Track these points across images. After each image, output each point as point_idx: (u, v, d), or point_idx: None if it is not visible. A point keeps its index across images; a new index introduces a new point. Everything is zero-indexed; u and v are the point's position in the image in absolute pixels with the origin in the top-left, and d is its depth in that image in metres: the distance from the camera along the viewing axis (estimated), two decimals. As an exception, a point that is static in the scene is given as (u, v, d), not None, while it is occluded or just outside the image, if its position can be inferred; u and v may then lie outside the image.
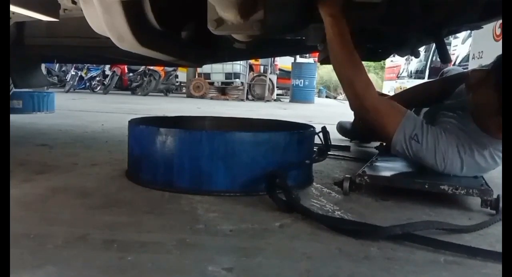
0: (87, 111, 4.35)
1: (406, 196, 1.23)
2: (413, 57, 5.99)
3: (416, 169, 1.35)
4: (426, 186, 1.18)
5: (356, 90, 1.30)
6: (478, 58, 5.01)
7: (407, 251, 0.84)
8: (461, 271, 0.77)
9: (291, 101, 9.84)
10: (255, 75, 10.49)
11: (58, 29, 1.81)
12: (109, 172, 1.44)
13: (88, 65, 10.06)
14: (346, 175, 1.28)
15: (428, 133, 1.26)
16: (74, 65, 10.06)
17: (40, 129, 2.58)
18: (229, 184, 1.21)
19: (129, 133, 1.40)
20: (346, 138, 2.53)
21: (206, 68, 10.05)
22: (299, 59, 11.13)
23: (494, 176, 1.38)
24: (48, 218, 0.95)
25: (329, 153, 1.63)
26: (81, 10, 1.09)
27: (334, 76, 17.40)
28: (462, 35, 7.81)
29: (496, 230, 0.99)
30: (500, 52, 1.20)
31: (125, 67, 10.32)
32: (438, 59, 3.97)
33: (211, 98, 9.85)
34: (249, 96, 10.09)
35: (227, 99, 9.83)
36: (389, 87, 11.96)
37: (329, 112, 6.25)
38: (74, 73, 10.17)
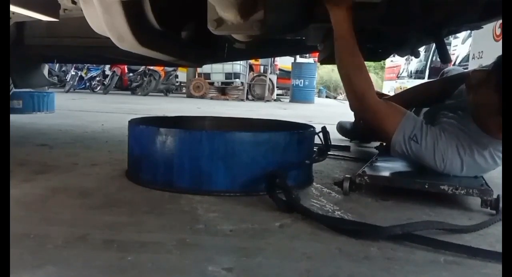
0: (87, 111, 4.35)
1: (406, 196, 1.23)
2: (413, 57, 5.99)
3: (416, 169, 1.35)
4: (426, 186, 1.18)
5: (357, 90, 1.31)
6: (478, 58, 5.01)
7: (407, 251, 0.84)
8: (461, 271, 0.77)
9: (291, 101, 9.84)
10: (255, 75, 10.49)
11: (58, 29, 1.81)
12: (109, 172, 1.44)
13: (88, 65, 10.06)
14: (346, 175, 1.28)
15: (427, 133, 1.26)
16: (74, 65, 10.06)
17: (40, 129, 2.58)
18: (229, 184, 1.21)
19: (129, 133, 1.40)
20: (346, 138, 2.53)
21: (206, 68, 10.05)
22: (299, 59, 11.13)
23: (494, 176, 1.38)
24: (48, 218, 0.95)
25: (329, 153, 1.63)
26: (81, 10, 1.09)
27: (334, 76, 17.45)
28: (462, 35, 7.81)
29: (496, 230, 0.99)
30: (500, 52, 1.20)
31: (125, 67, 10.32)
32: (438, 59, 3.97)
33: (211, 98, 9.85)
34: (249, 96, 10.09)
35: (227, 99, 9.83)
36: (389, 87, 11.96)
37: (329, 112, 6.25)
38: (74, 73, 10.17)
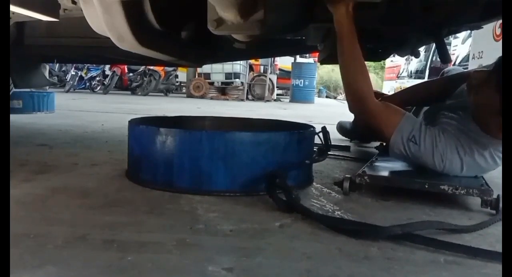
0: (87, 111, 4.35)
1: (406, 196, 1.23)
2: (413, 57, 5.99)
3: (416, 169, 1.35)
4: (426, 186, 1.18)
5: (357, 93, 1.31)
6: (478, 58, 5.01)
7: (407, 251, 0.84)
8: (461, 271, 0.77)
9: (291, 101, 9.84)
10: (255, 75, 10.49)
11: (58, 29, 1.81)
12: (109, 172, 1.44)
13: (88, 65, 10.06)
14: (346, 175, 1.28)
15: (426, 134, 1.26)
16: (74, 65, 10.06)
17: (40, 129, 2.58)
18: (229, 184, 1.21)
19: (129, 133, 1.40)
20: (346, 138, 2.53)
21: (206, 68, 10.04)
22: (299, 59, 11.13)
23: (494, 176, 1.38)
24: (48, 218, 0.95)
25: (329, 153, 1.63)
26: (81, 10, 1.09)
27: (334, 76, 17.45)
28: (462, 35, 7.80)
29: (496, 230, 0.99)
30: (500, 52, 1.20)
31: (125, 67, 10.32)
32: (438, 59, 3.98)
33: (211, 98, 9.85)
34: (249, 96, 10.09)
35: (227, 99, 9.83)
36: (389, 87, 11.96)
37: (329, 112, 6.25)
38: (74, 73, 10.17)
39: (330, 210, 1.11)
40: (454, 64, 7.26)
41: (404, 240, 0.88)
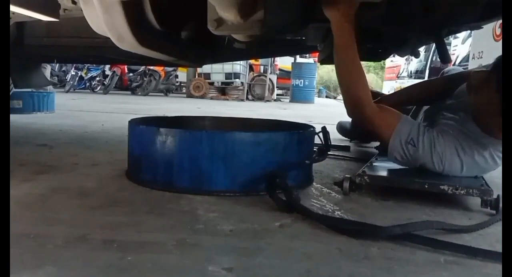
0: (87, 111, 4.35)
1: (406, 196, 1.23)
2: (413, 57, 5.99)
3: (416, 169, 1.35)
4: (426, 186, 1.18)
5: (354, 98, 1.31)
6: (478, 58, 5.01)
7: (407, 251, 0.84)
8: (461, 271, 0.77)
9: (291, 101, 9.84)
10: (255, 75, 10.49)
11: (58, 29, 1.81)
12: (109, 172, 1.44)
13: (88, 65, 10.06)
14: (346, 175, 1.28)
15: (424, 136, 1.26)
16: (74, 65, 10.06)
17: (40, 129, 2.58)
18: (229, 184, 1.21)
19: (129, 133, 1.40)
20: (346, 138, 2.53)
21: (206, 68, 10.05)
22: (299, 59, 11.13)
23: (494, 176, 1.38)
24: (48, 218, 0.95)
25: (329, 153, 1.63)
26: (81, 10, 1.09)
27: (334, 76, 17.41)
28: (462, 35, 7.81)
29: (496, 230, 0.99)
30: (500, 52, 1.20)
31: (125, 67, 10.33)
32: (438, 59, 3.97)
33: (211, 98, 9.85)
34: (249, 96, 10.10)
35: (227, 99, 9.84)
36: (389, 87, 11.96)
37: (329, 112, 6.25)
38: (74, 73, 10.17)
39: (330, 210, 1.11)
40: (454, 64, 7.26)
41: (404, 240, 0.88)
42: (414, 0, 1.34)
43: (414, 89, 1.84)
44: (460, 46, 8.22)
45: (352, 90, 1.32)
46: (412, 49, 1.91)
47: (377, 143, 2.15)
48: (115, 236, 0.85)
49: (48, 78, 4.97)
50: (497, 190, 1.11)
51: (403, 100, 1.68)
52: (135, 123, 1.39)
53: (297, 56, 10.60)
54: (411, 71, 10.97)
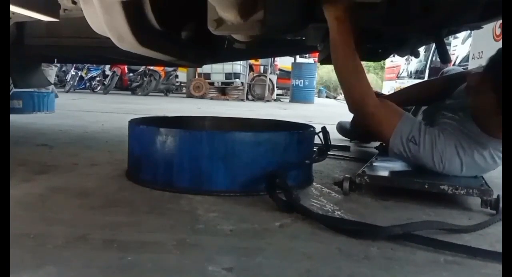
0: (87, 111, 4.35)
1: (406, 196, 1.23)
2: (413, 57, 5.99)
3: (416, 169, 1.35)
4: (426, 186, 1.18)
5: (354, 95, 1.31)
6: (478, 58, 5.01)
7: (407, 251, 0.84)
8: (461, 271, 0.77)
9: (291, 101, 9.84)
10: (255, 75, 10.49)
11: (58, 29, 1.81)
12: (109, 172, 1.44)
13: (88, 65, 10.07)
14: (346, 175, 1.28)
15: (425, 134, 1.26)
16: (74, 65, 10.06)
17: (40, 129, 2.58)
18: (229, 184, 1.21)
19: (129, 133, 1.40)
20: (346, 138, 2.53)
21: (206, 68, 10.05)
22: (299, 59, 11.13)
23: (494, 176, 1.38)
24: (48, 218, 0.95)
25: (329, 153, 1.63)
26: (81, 10, 1.09)
27: (334, 76, 17.40)
28: (462, 35, 7.80)
29: (496, 230, 0.99)
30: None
31: (125, 67, 10.33)
32: (438, 59, 3.97)
33: (211, 98, 9.85)
34: (249, 96, 10.09)
35: (227, 99, 9.84)
36: (389, 87, 11.96)
37: (329, 112, 6.25)
38: (74, 73, 10.18)
39: (330, 210, 1.11)
40: (454, 64, 7.26)
41: (404, 240, 0.88)
42: (414, 0, 1.34)
43: (414, 89, 1.85)
44: (460, 46, 8.22)
45: (352, 85, 1.31)
46: (412, 49, 1.91)
47: (377, 143, 2.15)
48: (115, 236, 0.85)
49: (53, 79, 5.00)
50: (497, 190, 1.11)
51: (402, 100, 1.68)
52: (135, 123, 1.39)
53: (297, 56, 10.60)
54: (411, 71, 10.97)
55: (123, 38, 1.04)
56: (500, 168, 1.25)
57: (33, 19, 1.12)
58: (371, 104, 1.30)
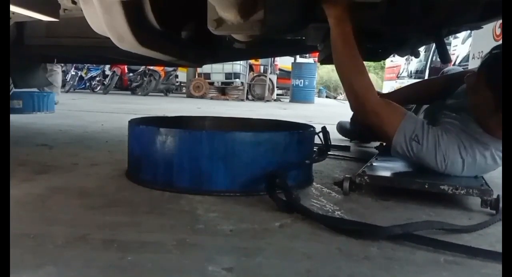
0: (87, 111, 4.35)
1: (406, 196, 1.23)
2: (413, 57, 5.99)
3: (416, 169, 1.35)
4: (426, 186, 1.18)
5: (356, 92, 1.31)
6: (478, 58, 5.01)
7: (407, 251, 0.84)
8: (461, 271, 0.77)
9: (291, 101, 9.84)
10: (255, 75, 10.49)
11: (58, 29, 1.81)
12: (109, 172, 1.44)
13: (88, 65, 10.07)
14: (346, 175, 1.28)
15: (428, 133, 1.26)
16: (74, 65, 10.06)
17: (40, 129, 2.58)
18: (229, 184, 1.21)
19: (129, 133, 1.40)
20: (346, 138, 2.53)
21: (206, 68, 10.05)
22: (299, 59, 11.13)
23: (494, 176, 1.38)
24: (48, 218, 0.95)
25: (329, 153, 1.63)
26: (81, 10, 1.09)
27: (334, 76, 17.46)
28: (462, 35, 7.80)
29: (496, 230, 0.99)
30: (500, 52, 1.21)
31: (125, 67, 10.33)
32: (438, 59, 3.97)
33: (211, 98, 9.85)
34: (249, 96, 10.09)
35: (227, 99, 9.83)
36: (389, 87, 11.95)
37: (329, 112, 6.25)
38: (74, 73, 10.18)
39: (330, 210, 1.11)
40: (454, 64, 7.26)
41: (404, 240, 0.88)
42: (414, 0, 1.34)
43: (414, 88, 1.85)
44: (460, 46, 8.22)
45: (354, 83, 1.31)
46: (412, 49, 1.91)
47: (377, 143, 2.15)
48: (115, 236, 0.85)
49: (60, 83, 5.04)
50: (497, 190, 1.11)
51: (403, 98, 1.68)
52: (135, 123, 1.39)
53: (297, 56, 10.60)
54: (411, 71, 10.96)
55: (123, 38, 1.04)
56: (500, 168, 1.25)
57: (33, 19, 1.12)
58: (372, 101, 1.30)
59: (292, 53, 6.55)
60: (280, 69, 11.72)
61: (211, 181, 1.20)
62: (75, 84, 10.21)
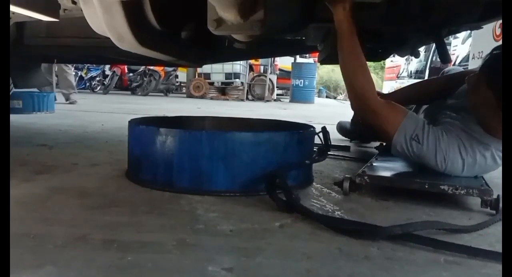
0: (87, 111, 4.35)
1: (406, 196, 1.23)
2: (413, 57, 5.98)
3: (416, 169, 1.35)
4: (426, 186, 1.18)
5: (358, 91, 1.31)
6: (478, 58, 5.01)
7: (407, 251, 0.84)
8: (461, 271, 0.77)
9: (291, 101, 9.83)
10: (255, 75, 10.48)
11: (58, 29, 1.81)
12: (109, 172, 1.44)
13: (88, 65, 10.06)
14: (346, 175, 1.28)
15: (429, 133, 1.26)
16: (74, 65, 10.05)
17: (40, 129, 2.58)
18: (229, 184, 1.21)
19: (129, 133, 1.40)
20: (346, 138, 2.53)
21: (206, 68, 10.04)
22: (299, 59, 11.12)
23: (494, 176, 1.38)
24: (48, 218, 0.95)
25: (329, 153, 1.63)
26: (81, 10, 1.09)
27: (334, 76, 17.47)
28: (462, 35, 7.79)
29: (496, 230, 0.99)
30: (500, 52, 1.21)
31: (125, 67, 10.32)
32: (438, 59, 3.97)
33: (211, 98, 9.85)
34: (249, 96, 10.09)
35: (227, 99, 9.83)
36: (389, 87, 11.95)
37: (329, 112, 6.25)
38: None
39: (330, 210, 1.11)
40: (454, 64, 7.26)
41: (404, 240, 0.88)
42: (414, 0, 1.34)
43: (415, 88, 1.85)
44: (460, 46, 8.22)
45: (356, 81, 1.32)
46: (412, 49, 1.91)
47: (377, 143, 2.15)
48: (115, 236, 0.85)
49: (74, 83, 5.08)
50: (497, 190, 1.11)
51: (403, 99, 1.68)
52: (135, 123, 1.39)
53: (297, 56, 10.59)
54: (411, 71, 10.96)
55: (123, 38, 1.04)
56: (500, 168, 1.25)
57: (33, 19, 1.12)
58: (373, 101, 1.30)
59: (292, 53, 6.55)
60: (280, 69, 11.71)
61: (211, 181, 1.20)
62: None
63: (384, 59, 2.39)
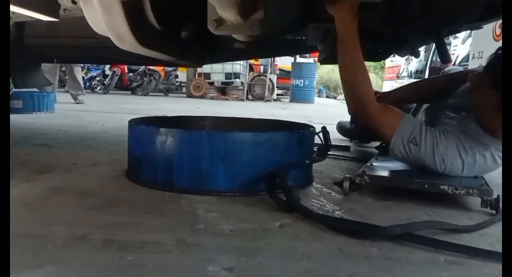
0: (87, 111, 4.35)
1: (406, 196, 1.23)
2: (413, 57, 5.99)
3: (416, 169, 1.35)
4: (426, 186, 1.18)
5: (356, 95, 1.31)
6: (478, 58, 5.01)
7: (407, 251, 0.84)
8: (461, 271, 0.77)
9: (291, 101, 9.83)
10: (255, 75, 10.48)
11: (58, 29, 1.81)
12: (109, 172, 1.44)
13: (88, 65, 10.06)
14: (346, 175, 1.28)
15: (426, 135, 1.26)
16: (75, 65, 10.05)
17: (40, 129, 2.58)
18: (229, 184, 1.21)
19: (129, 133, 1.40)
20: (346, 138, 2.53)
21: (206, 68, 10.04)
22: (299, 59, 11.12)
23: (494, 176, 1.38)
24: (48, 218, 0.95)
25: (329, 153, 1.63)
26: (81, 10, 1.09)
27: (334, 76, 17.47)
28: (462, 35, 7.79)
29: (496, 230, 0.99)
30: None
31: (125, 67, 10.32)
32: (438, 59, 3.97)
33: (211, 98, 9.85)
34: (249, 96, 10.09)
35: (227, 99, 9.83)
36: (389, 87, 11.95)
37: (329, 112, 6.25)
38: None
39: (330, 210, 1.11)
40: (454, 64, 7.26)
41: (404, 240, 0.88)
42: (414, 0, 1.34)
43: (415, 87, 1.84)
44: (460, 46, 8.21)
45: (355, 87, 1.32)
46: (412, 49, 1.91)
47: (377, 143, 2.15)
48: (115, 236, 0.85)
49: (82, 85, 5.11)
50: (497, 190, 1.11)
51: (403, 97, 1.68)
52: (135, 123, 1.39)
53: (297, 56, 10.59)
54: (411, 71, 10.96)
55: (123, 38, 1.04)
56: (500, 168, 1.25)
57: (33, 19, 1.12)
58: (370, 105, 1.30)
59: (292, 53, 6.54)
60: (280, 69, 11.71)
61: (211, 181, 1.21)
62: (75, 84, 10.20)
63: (384, 59, 2.39)
